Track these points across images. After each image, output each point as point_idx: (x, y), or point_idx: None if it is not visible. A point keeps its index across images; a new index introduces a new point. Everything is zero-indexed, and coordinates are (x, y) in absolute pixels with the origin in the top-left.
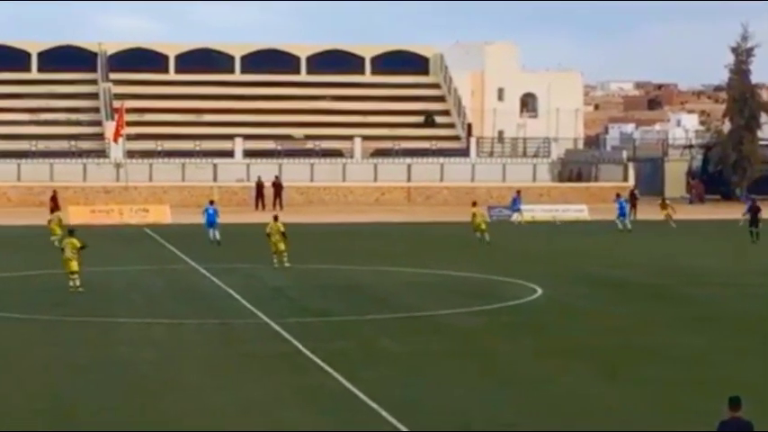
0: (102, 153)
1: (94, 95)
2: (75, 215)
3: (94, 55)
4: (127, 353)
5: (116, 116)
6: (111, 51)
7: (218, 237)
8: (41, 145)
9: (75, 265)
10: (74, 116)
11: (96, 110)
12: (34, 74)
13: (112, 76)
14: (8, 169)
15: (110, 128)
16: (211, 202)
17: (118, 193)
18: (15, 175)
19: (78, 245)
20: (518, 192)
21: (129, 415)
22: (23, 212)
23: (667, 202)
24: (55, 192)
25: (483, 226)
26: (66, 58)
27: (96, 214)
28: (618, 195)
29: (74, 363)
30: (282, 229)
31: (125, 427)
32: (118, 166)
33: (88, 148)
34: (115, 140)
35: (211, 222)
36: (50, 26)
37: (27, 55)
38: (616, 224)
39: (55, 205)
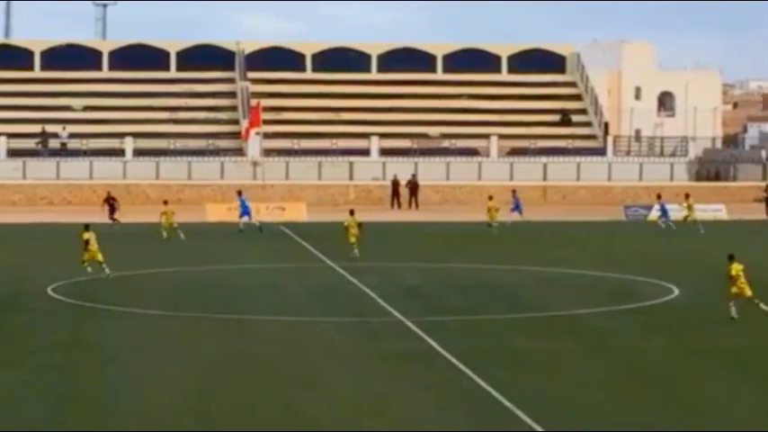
0: (239, 151)
1: (232, 94)
2: (213, 213)
3: (232, 54)
4: (264, 351)
5: (249, 114)
6: (248, 50)
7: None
8: (179, 143)
9: (101, 256)
10: (212, 115)
11: (234, 108)
12: (173, 73)
13: (250, 74)
14: (147, 167)
15: (245, 125)
16: (239, 193)
17: (255, 191)
18: (154, 173)
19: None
20: (659, 196)
21: (266, 413)
22: (157, 210)
23: None
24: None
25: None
26: (205, 57)
27: (233, 212)
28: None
29: (213, 360)
30: (359, 221)
31: (263, 425)
32: (255, 164)
33: (226, 147)
34: (245, 138)
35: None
36: (189, 26)
37: (166, 54)
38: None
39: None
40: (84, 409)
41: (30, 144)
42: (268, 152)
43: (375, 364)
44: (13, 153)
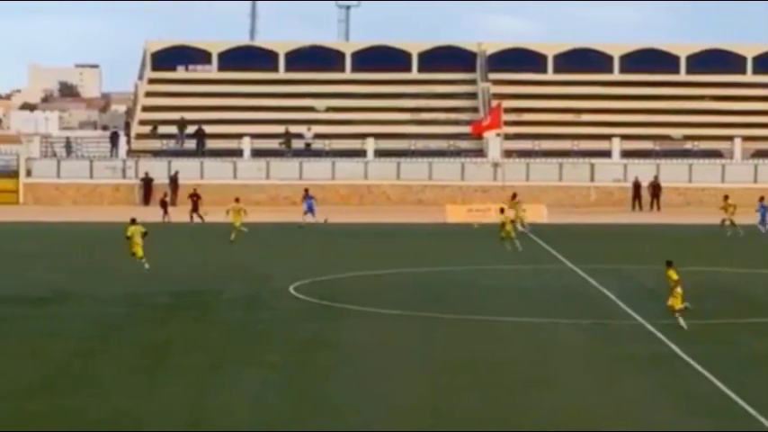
0: (480, 152)
1: (473, 95)
2: (453, 214)
3: (474, 55)
4: (502, 351)
5: (489, 115)
6: (490, 51)
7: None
8: (420, 144)
9: (140, 251)
10: (453, 116)
11: (475, 109)
12: (415, 74)
13: (491, 76)
14: (388, 168)
15: (483, 122)
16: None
17: (495, 192)
18: (395, 173)
19: (142, 230)
20: None
21: (503, 413)
22: (402, 210)
23: None
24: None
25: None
26: (446, 58)
27: (473, 213)
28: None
29: (451, 360)
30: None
31: (500, 425)
32: (495, 165)
33: (466, 148)
34: (477, 134)
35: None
36: (431, 27)
37: (408, 55)
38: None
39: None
40: (324, 409)
41: (273, 144)
42: (508, 153)
43: (614, 366)
44: (256, 153)
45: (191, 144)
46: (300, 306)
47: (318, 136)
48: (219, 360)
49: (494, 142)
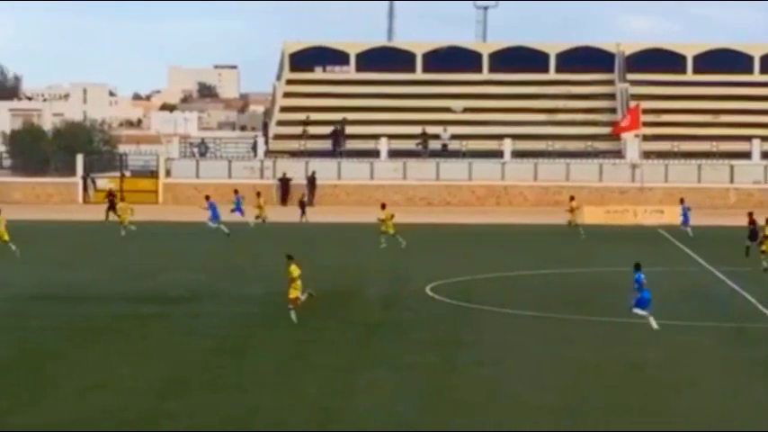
0: (618, 154)
1: (611, 96)
2: (590, 215)
3: (612, 56)
4: (637, 353)
5: (628, 115)
6: (628, 52)
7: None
8: (557, 145)
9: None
10: (590, 117)
11: (613, 110)
12: (552, 75)
13: (629, 76)
14: (525, 169)
15: (623, 123)
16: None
17: (633, 193)
18: (532, 174)
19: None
20: None
21: (641, 414)
22: (538, 211)
23: None
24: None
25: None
26: (584, 58)
27: (611, 215)
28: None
29: (584, 361)
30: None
31: (639, 425)
32: (634, 166)
33: (604, 149)
34: (615, 134)
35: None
36: (569, 27)
37: (545, 56)
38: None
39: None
40: (459, 409)
41: (410, 145)
42: (647, 154)
43: (750, 370)
44: (393, 154)
45: (326, 144)
46: (437, 307)
47: (455, 137)
48: (357, 360)
49: (632, 143)
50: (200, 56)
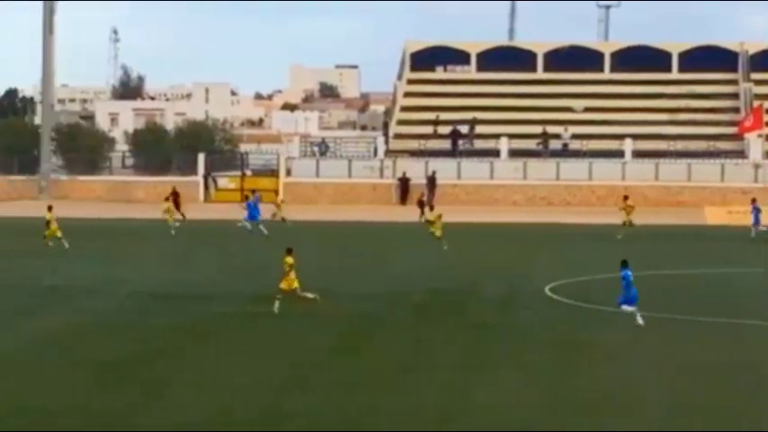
0: (740, 154)
1: (734, 96)
2: (712, 216)
3: (735, 55)
4: (750, 355)
5: (749, 113)
6: (752, 51)
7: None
8: (679, 145)
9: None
10: (713, 117)
11: (736, 110)
12: (674, 74)
13: (753, 76)
14: (646, 169)
15: (747, 122)
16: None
17: (756, 194)
18: (653, 174)
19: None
20: None
21: (737, 416)
22: (660, 212)
23: None
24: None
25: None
26: (707, 58)
27: (733, 215)
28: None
29: (705, 363)
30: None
31: (735, 426)
32: (757, 166)
33: (727, 149)
34: (740, 134)
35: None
36: (692, 26)
37: (668, 55)
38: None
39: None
40: (581, 409)
41: (530, 145)
42: None
43: None
44: (514, 153)
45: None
46: (556, 307)
47: (576, 136)
48: (477, 359)
49: (755, 143)
50: (322, 56)
